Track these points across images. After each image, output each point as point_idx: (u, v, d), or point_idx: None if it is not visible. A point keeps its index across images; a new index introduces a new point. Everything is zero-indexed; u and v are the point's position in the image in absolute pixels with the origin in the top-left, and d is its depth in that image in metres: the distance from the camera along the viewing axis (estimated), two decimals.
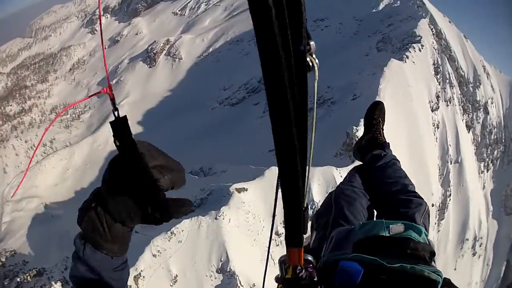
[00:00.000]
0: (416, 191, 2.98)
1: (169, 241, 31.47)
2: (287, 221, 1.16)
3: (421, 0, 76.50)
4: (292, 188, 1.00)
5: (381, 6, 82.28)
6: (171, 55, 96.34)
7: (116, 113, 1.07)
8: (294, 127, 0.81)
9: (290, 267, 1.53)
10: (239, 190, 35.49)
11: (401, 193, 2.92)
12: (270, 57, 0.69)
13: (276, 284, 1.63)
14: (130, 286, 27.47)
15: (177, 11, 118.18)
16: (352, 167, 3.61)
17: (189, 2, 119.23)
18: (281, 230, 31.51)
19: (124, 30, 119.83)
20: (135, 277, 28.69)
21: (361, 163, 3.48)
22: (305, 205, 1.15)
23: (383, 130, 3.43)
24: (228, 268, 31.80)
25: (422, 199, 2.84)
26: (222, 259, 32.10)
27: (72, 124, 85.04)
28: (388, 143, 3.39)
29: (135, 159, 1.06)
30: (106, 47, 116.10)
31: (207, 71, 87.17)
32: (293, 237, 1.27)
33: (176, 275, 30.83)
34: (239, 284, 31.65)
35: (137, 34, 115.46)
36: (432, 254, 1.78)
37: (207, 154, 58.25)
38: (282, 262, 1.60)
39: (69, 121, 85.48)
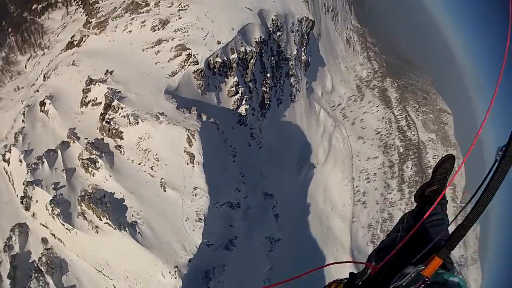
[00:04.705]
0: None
1: None
2: (452, 238, 1.91)
3: None
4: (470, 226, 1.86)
5: None
6: None
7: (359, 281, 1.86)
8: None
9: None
10: None
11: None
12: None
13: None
14: None
15: None
16: (409, 211, 3.82)
17: None
18: None
19: None
20: None
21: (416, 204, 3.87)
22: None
23: (447, 182, 3.69)
24: None
25: (453, 264, 2.99)
26: None
27: None
28: (447, 201, 3.69)
29: None
30: None
31: None
32: (445, 252, 1.91)
33: None
34: None
35: None
36: None
37: None
38: (418, 269, 2.13)
39: None
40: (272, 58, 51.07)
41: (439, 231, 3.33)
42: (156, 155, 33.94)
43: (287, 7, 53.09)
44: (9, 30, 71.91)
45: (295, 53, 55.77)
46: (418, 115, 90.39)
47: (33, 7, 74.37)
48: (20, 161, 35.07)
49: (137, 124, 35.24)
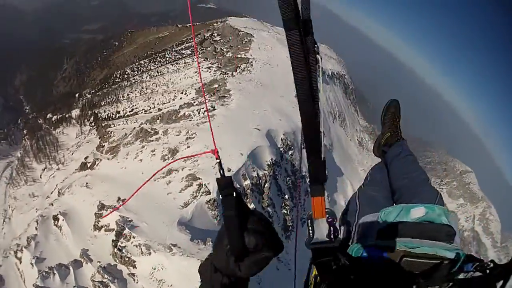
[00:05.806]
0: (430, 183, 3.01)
1: None
2: (310, 173, 1.47)
3: None
4: (314, 142, 1.33)
5: None
6: None
7: (221, 172, 1.34)
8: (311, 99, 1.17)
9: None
10: None
11: (414, 185, 2.93)
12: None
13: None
14: None
15: None
16: (373, 166, 3.62)
17: None
18: None
19: None
20: None
21: (380, 159, 3.59)
22: (324, 157, 1.42)
23: (399, 126, 3.59)
24: None
25: (435, 188, 2.89)
26: None
27: None
28: (405, 140, 3.52)
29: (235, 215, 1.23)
30: None
31: None
32: (316, 187, 1.53)
33: None
34: None
35: None
36: (452, 234, 1.95)
37: None
38: (309, 216, 1.71)
39: None
40: (287, 178, 50.02)
41: (409, 167, 3.18)
42: (170, 286, 32.12)
43: (294, 123, 53.64)
44: (24, 131, 74.56)
45: None
46: (442, 188, 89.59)
47: (48, 116, 77.89)
48: (32, 264, 35.27)
49: (150, 254, 34.17)
